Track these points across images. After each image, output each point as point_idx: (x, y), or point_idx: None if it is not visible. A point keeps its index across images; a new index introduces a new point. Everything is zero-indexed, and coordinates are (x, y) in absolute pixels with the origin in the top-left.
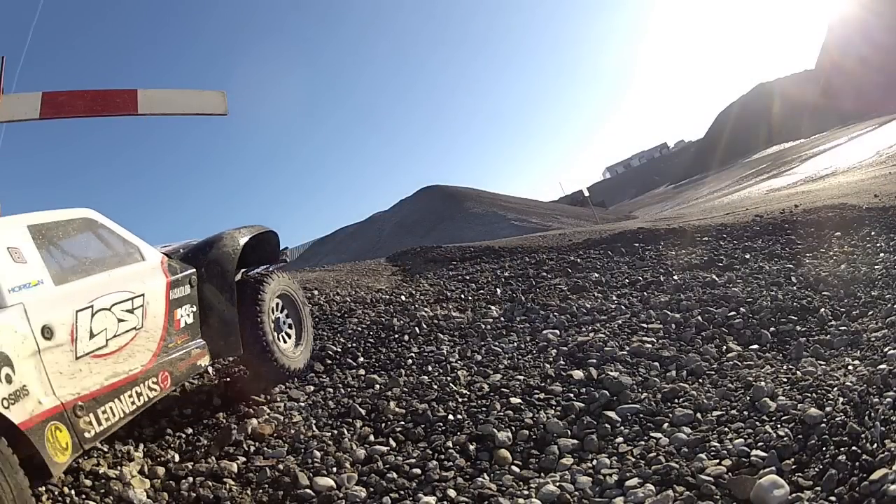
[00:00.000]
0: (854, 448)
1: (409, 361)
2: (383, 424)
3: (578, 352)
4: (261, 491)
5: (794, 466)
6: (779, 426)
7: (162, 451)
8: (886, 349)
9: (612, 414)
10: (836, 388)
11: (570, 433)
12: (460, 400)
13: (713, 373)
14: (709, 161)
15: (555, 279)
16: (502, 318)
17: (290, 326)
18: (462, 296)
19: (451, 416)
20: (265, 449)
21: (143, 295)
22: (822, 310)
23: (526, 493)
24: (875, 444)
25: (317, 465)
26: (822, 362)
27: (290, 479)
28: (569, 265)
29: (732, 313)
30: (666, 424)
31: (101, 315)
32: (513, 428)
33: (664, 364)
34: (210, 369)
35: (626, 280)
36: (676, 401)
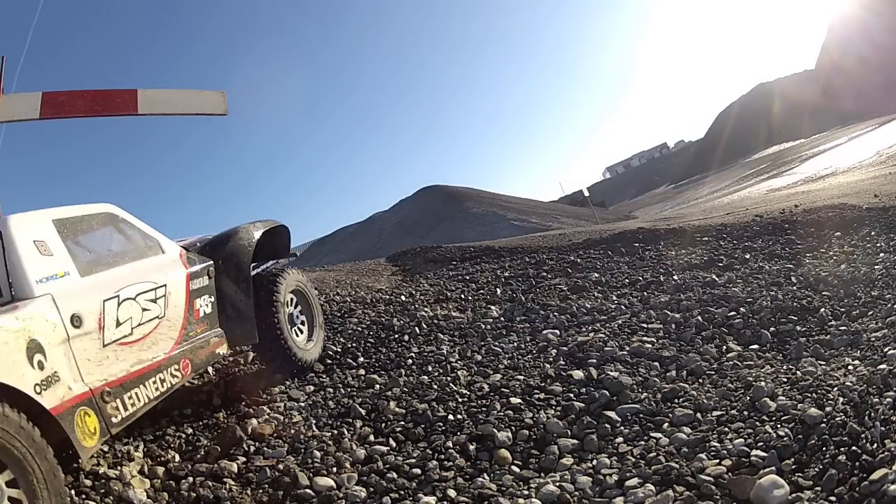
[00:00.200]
0: (854, 448)
1: (409, 361)
2: (383, 424)
3: (578, 352)
4: (261, 491)
5: (794, 466)
6: (779, 426)
7: (162, 451)
8: (886, 349)
9: (612, 414)
10: (836, 388)
11: (570, 433)
12: (460, 400)
13: (713, 373)
14: (709, 161)
15: (555, 279)
16: (502, 318)
17: (302, 322)
18: (462, 296)
19: (451, 416)
20: (265, 449)
21: (164, 285)
22: (822, 310)
23: (526, 493)
24: (875, 444)
25: (317, 465)
26: (822, 362)
27: (290, 479)
28: (569, 265)
29: (732, 313)
30: (666, 424)
31: (126, 304)
32: (513, 428)
33: (664, 364)
34: (210, 369)
35: (626, 280)
36: (676, 401)
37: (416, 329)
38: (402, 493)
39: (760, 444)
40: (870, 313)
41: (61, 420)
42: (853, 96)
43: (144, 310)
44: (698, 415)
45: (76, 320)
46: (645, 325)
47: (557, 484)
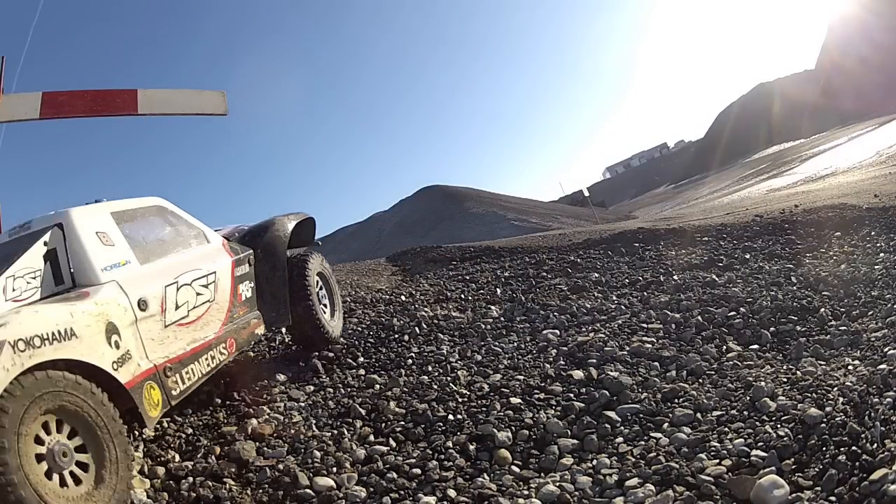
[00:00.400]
0: (854, 448)
1: (409, 361)
2: (383, 424)
3: (578, 352)
4: (261, 491)
5: (794, 466)
6: (779, 426)
7: (162, 451)
8: (886, 349)
9: (612, 414)
10: (836, 388)
11: (570, 433)
12: (460, 400)
13: (713, 373)
14: (709, 161)
15: (555, 279)
16: (502, 318)
17: (325, 303)
18: (462, 296)
19: (451, 416)
20: (265, 449)
21: (214, 272)
22: (822, 310)
23: (526, 493)
24: (875, 444)
25: (317, 465)
26: (822, 362)
27: (290, 479)
28: (569, 265)
29: (732, 313)
30: (666, 424)
31: (183, 289)
32: (513, 428)
33: (664, 364)
34: None
35: (626, 280)
36: (676, 401)
37: (416, 329)
38: (402, 493)
39: (760, 444)
40: (870, 313)
41: (133, 393)
42: (853, 96)
43: (198, 294)
44: (698, 415)
45: (142, 304)
46: (645, 325)
47: (557, 484)
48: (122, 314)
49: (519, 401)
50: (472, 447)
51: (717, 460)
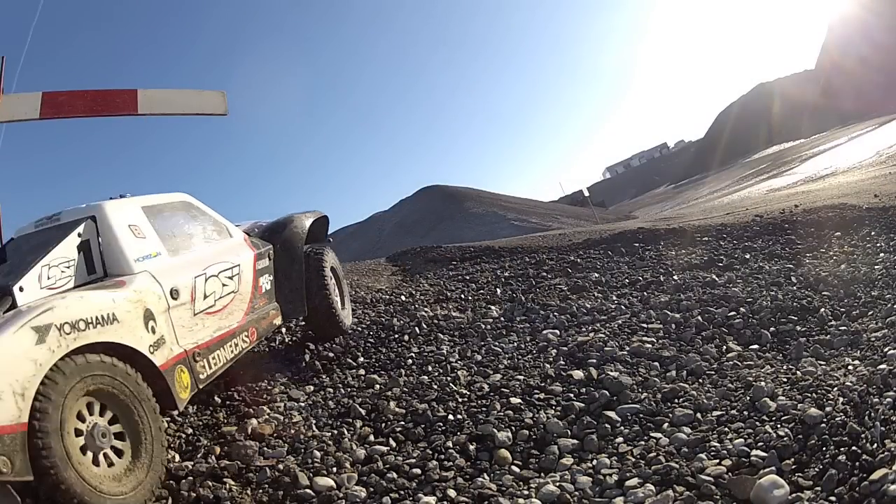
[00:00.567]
0: (854, 448)
1: (409, 361)
2: (383, 424)
3: (578, 352)
4: (261, 491)
5: (794, 466)
6: (779, 426)
7: None
8: (886, 349)
9: (612, 414)
10: (836, 388)
11: (570, 433)
12: (460, 400)
13: (713, 373)
14: (709, 161)
15: (555, 279)
16: (502, 318)
17: (336, 294)
18: (462, 296)
19: (451, 416)
20: (265, 449)
21: (238, 265)
22: (822, 310)
23: (526, 493)
24: (875, 444)
25: (317, 465)
26: (822, 362)
27: (290, 479)
28: (569, 265)
29: (732, 313)
30: (666, 424)
31: (211, 280)
32: (513, 428)
33: (664, 364)
34: None
35: (626, 280)
36: (676, 401)
37: (416, 329)
38: (402, 493)
39: (760, 444)
40: (870, 313)
41: (166, 375)
42: (853, 96)
43: (224, 285)
44: (698, 415)
45: (174, 293)
46: (645, 325)
47: (557, 484)
48: (157, 302)
49: (519, 401)
50: (472, 447)
51: (717, 460)
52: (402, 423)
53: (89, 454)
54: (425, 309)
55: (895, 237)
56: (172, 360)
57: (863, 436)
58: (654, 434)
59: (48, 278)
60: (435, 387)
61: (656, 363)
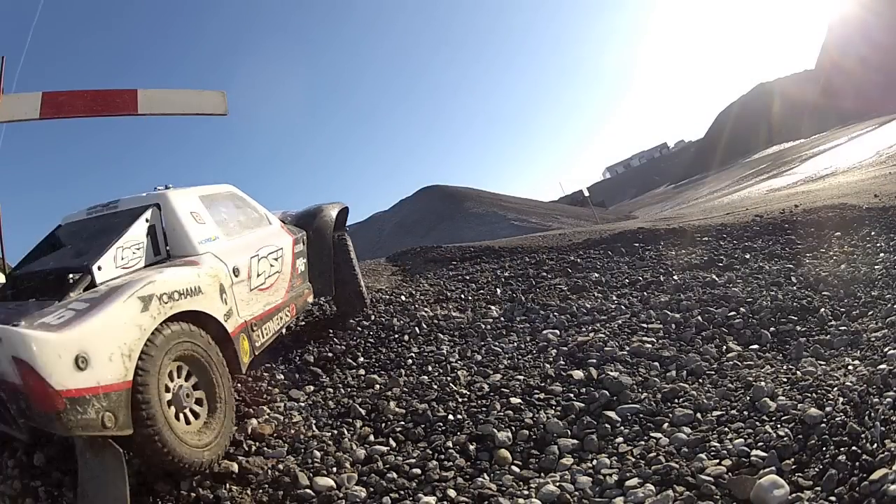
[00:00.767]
0: (854, 448)
1: (409, 361)
2: (383, 424)
3: (578, 352)
4: (261, 491)
5: (794, 466)
6: (779, 426)
7: None
8: (886, 349)
9: (612, 414)
10: (836, 388)
11: (570, 433)
12: (460, 400)
13: (713, 373)
14: (709, 161)
15: (555, 279)
16: (502, 318)
17: None
18: (462, 296)
19: (451, 416)
20: (265, 449)
21: (281, 248)
22: (822, 310)
23: (526, 493)
24: (875, 444)
25: (317, 465)
26: (822, 362)
27: (290, 479)
28: (569, 265)
29: (732, 313)
30: (666, 424)
31: (263, 261)
32: (513, 428)
33: (664, 364)
34: None
35: (626, 280)
36: (676, 401)
37: (416, 329)
38: (402, 493)
39: (760, 444)
40: (870, 313)
41: (235, 341)
42: (853, 96)
43: (271, 266)
44: (698, 415)
45: (236, 271)
46: (645, 325)
47: (557, 484)
48: (225, 277)
49: (519, 401)
50: (472, 447)
51: (717, 460)
52: (402, 423)
53: (174, 411)
54: (425, 309)
55: (895, 237)
56: (237, 328)
57: (863, 436)
58: (654, 434)
59: (122, 259)
60: (435, 387)
61: (656, 363)
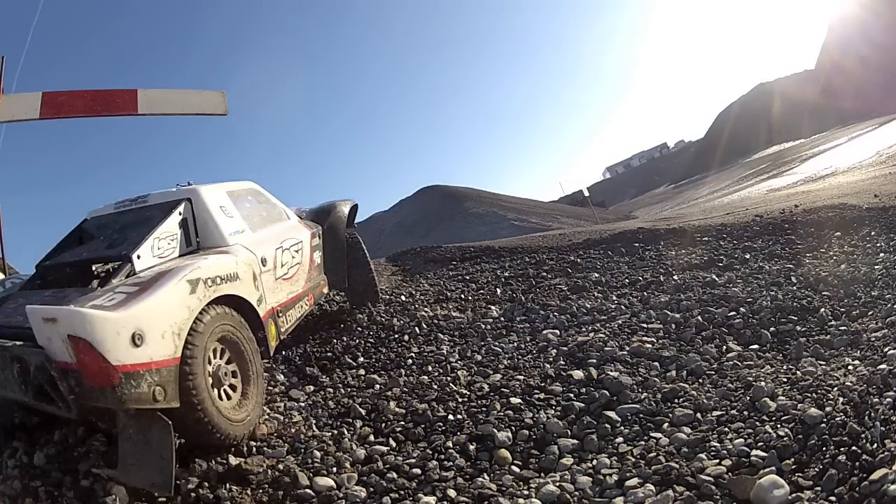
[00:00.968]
0: (854, 448)
1: (409, 361)
2: (383, 424)
3: (578, 352)
4: (261, 491)
5: (794, 466)
6: (779, 426)
7: None
8: (886, 349)
9: (612, 414)
10: (836, 388)
11: (570, 433)
12: (460, 400)
13: (713, 373)
14: (709, 161)
15: (555, 279)
16: (502, 318)
17: None
18: (462, 296)
19: (451, 416)
20: (265, 449)
21: (301, 241)
22: (822, 310)
23: (526, 493)
24: (875, 444)
25: (317, 465)
26: (822, 362)
27: (290, 479)
28: (569, 265)
29: (732, 313)
30: (666, 424)
31: (286, 253)
32: (513, 428)
33: (664, 364)
34: None
35: (626, 280)
36: (676, 401)
37: (416, 329)
38: (402, 493)
39: (760, 444)
40: (870, 313)
41: (265, 325)
42: (853, 96)
43: (293, 257)
44: (698, 415)
45: (264, 261)
46: (645, 325)
47: (557, 484)
48: (255, 266)
49: (519, 401)
50: (472, 447)
51: (717, 460)
52: (402, 423)
53: (215, 388)
54: (425, 309)
55: (895, 237)
56: (267, 314)
57: (863, 436)
58: (654, 434)
59: (158, 248)
60: (435, 387)
61: (656, 363)
